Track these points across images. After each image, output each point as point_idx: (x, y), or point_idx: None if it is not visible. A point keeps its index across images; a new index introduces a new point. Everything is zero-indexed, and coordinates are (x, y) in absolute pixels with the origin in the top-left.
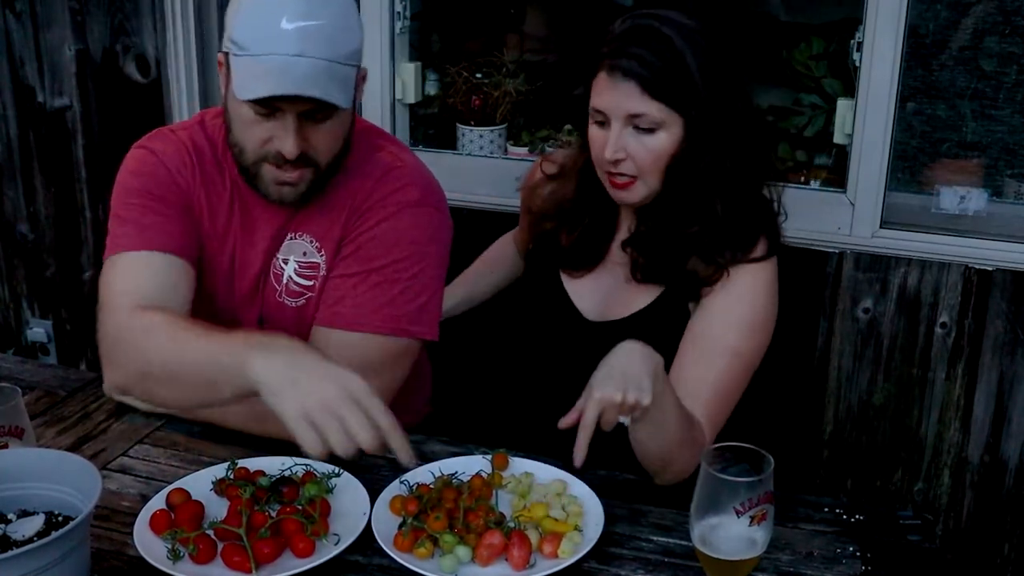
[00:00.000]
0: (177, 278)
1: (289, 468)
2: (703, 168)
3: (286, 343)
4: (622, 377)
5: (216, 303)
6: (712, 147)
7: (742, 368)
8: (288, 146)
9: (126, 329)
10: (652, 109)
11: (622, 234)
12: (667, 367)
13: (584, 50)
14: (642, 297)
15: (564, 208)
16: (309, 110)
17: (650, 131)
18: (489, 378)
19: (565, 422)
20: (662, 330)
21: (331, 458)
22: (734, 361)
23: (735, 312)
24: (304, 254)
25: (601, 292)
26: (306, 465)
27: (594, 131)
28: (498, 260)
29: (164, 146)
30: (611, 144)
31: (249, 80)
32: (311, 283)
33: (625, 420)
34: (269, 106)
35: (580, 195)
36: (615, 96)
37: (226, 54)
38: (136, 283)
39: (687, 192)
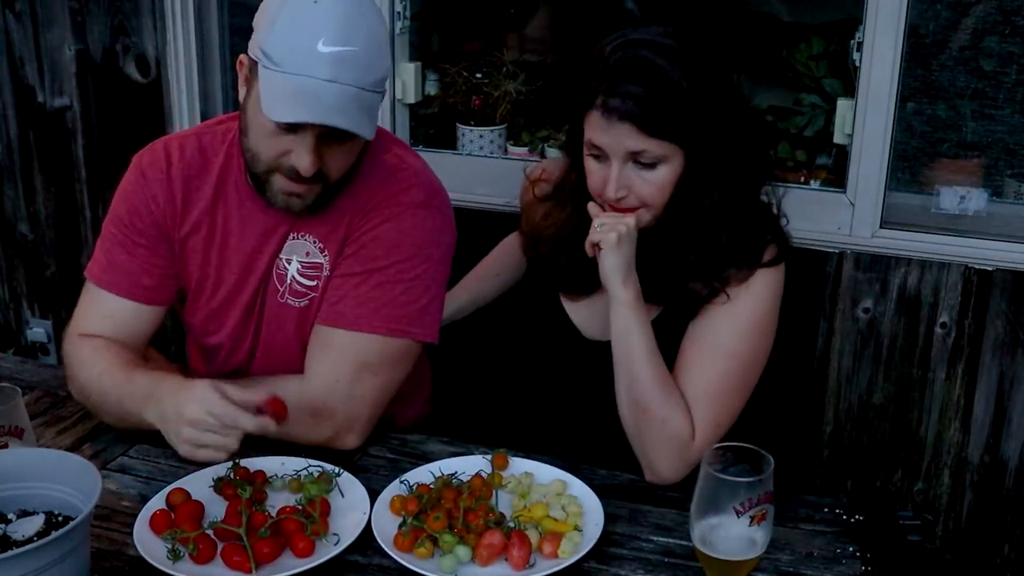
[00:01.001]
0: (132, 321)
1: (306, 469)
2: (706, 201)
3: (168, 385)
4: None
5: (211, 308)
6: (715, 170)
7: (739, 370)
8: (304, 164)
9: (69, 356)
10: (652, 146)
11: None
12: None
13: (575, 72)
14: None
15: (562, 233)
16: (330, 132)
17: (651, 165)
18: (488, 378)
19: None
20: (664, 348)
21: (330, 456)
22: (730, 363)
23: (734, 315)
24: (307, 254)
25: (600, 312)
26: (319, 467)
27: (591, 164)
28: (502, 262)
29: (151, 164)
30: (613, 182)
31: (278, 99)
32: (314, 283)
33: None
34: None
35: (577, 216)
36: (613, 136)
37: (254, 61)
38: (90, 318)
39: (690, 219)
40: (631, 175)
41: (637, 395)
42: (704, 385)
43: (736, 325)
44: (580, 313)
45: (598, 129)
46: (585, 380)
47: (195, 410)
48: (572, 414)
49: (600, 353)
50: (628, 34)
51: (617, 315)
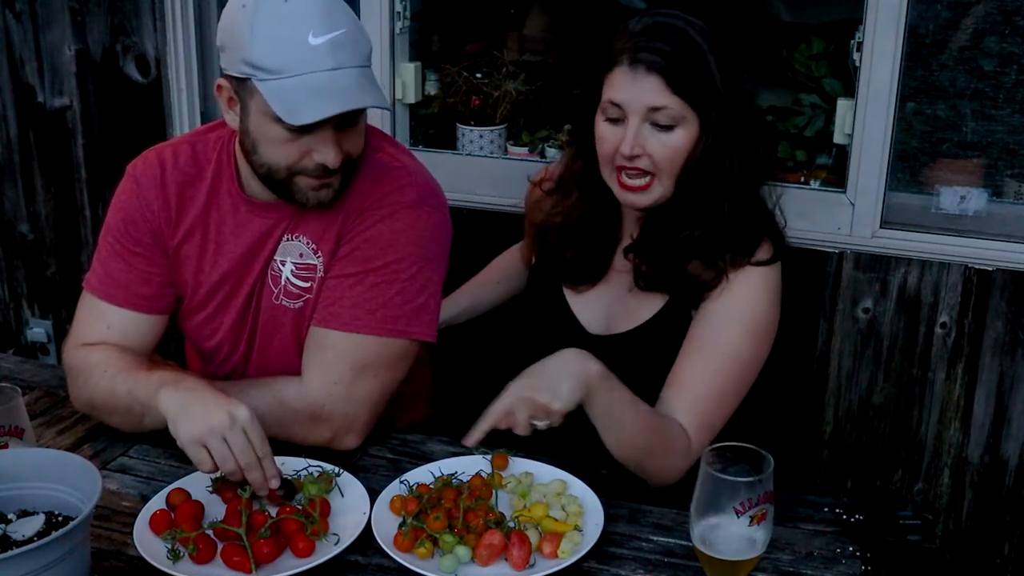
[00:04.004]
0: (134, 331)
1: (306, 469)
2: (716, 170)
3: (191, 382)
4: (540, 378)
5: (207, 312)
6: (725, 147)
7: (740, 371)
8: (331, 157)
9: (72, 367)
10: (673, 103)
11: (625, 243)
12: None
13: (593, 48)
14: (646, 309)
15: (568, 220)
16: (343, 119)
17: (668, 128)
18: (489, 378)
19: (470, 439)
20: (667, 342)
21: (330, 456)
22: (731, 363)
23: (735, 315)
24: (301, 255)
25: (604, 305)
26: (319, 467)
27: (606, 128)
28: (503, 272)
29: (144, 173)
30: (629, 139)
31: (294, 104)
32: (308, 284)
33: (540, 424)
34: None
35: (584, 204)
36: (636, 90)
37: (239, 79)
38: (92, 329)
39: (698, 193)
40: (647, 135)
41: (638, 448)
42: (701, 386)
43: (734, 323)
44: (583, 308)
45: (621, 86)
46: None
47: (244, 416)
48: (574, 411)
49: (603, 348)
50: (652, 9)
51: (595, 403)
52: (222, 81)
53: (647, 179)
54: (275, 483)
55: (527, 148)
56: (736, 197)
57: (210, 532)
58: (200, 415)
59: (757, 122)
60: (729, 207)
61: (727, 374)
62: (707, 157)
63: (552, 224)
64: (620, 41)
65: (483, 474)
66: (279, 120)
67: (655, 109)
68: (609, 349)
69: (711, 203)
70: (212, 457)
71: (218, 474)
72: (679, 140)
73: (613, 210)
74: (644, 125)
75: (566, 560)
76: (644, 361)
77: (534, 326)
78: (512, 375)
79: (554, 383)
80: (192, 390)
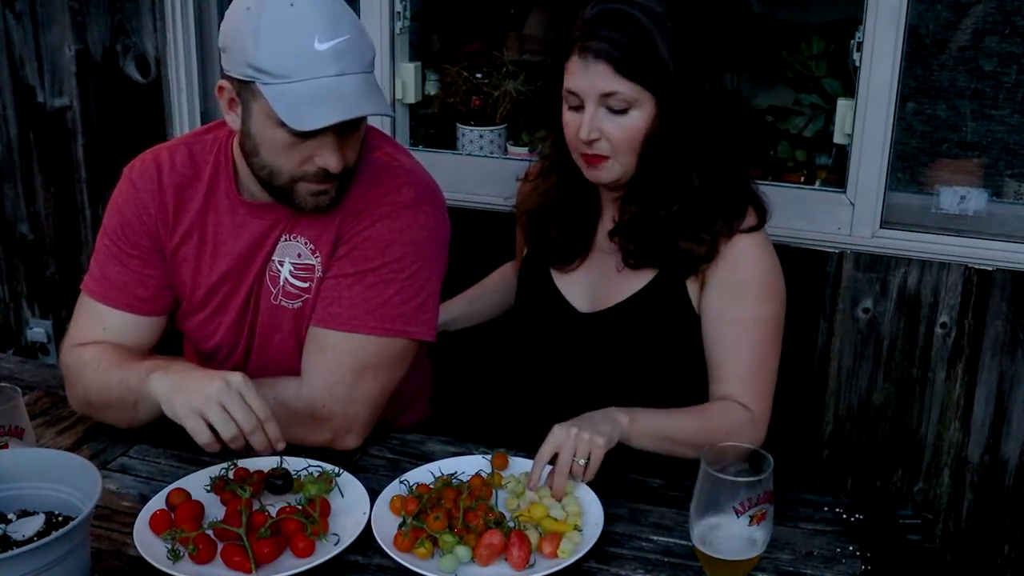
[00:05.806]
0: (132, 333)
1: (306, 469)
2: (676, 146)
3: (181, 365)
4: (581, 421)
5: (205, 313)
6: (684, 125)
7: (771, 334)
8: (333, 163)
9: (68, 366)
10: (624, 88)
11: (606, 223)
12: (664, 348)
13: (555, 36)
14: (633, 283)
15: (549, 201)
16: (345, 125)
17: (623, 111)
18: (488, 378)
19: (531, 484)
20: (657, 312)
21: (330, 456)
22: (761, 331)
23: (744, 283)
24: (299, 256)
25: (591, 283)
26: (319, 467)
27: (568, 115)
28: (502, 282)
29: (141, 176)
30: (585, 124)
31: (298, 109)
32: (307, 284)
33: (581, 462)
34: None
35: (562, 184)
36: (588, 77)
37: (241, 81)
38: (89, 330)
39: (662, 170)
40: (604, 120)
41: (702, 444)
42: (746, 360)
43: (746, 292)
44: (570, 287)
45: (575, 74)
46: (581, 353)
47: (239, 380)
48: (573, 391)
49: (592, 324)
50: None
51: (636, 440)
52: (223, 82)
53: (602, 157)
54: (281, 446)
55: (527, 148)
56: (704, 169)
57: (210, 532)
58: (194, 387)
59: (722, 100)
60: (700, 180)
61: (761, 342)
62: (666, 134)
63: (535, 209)
64: (572, 31)
65: (483, 474)
66: (282, 124)
67: (608, 95)
68: (598, 325)
69: (679, 177)
70: (212, 428)
71: (220, 472)
72: (635, 122)
73: (590, 188)
74: (600, 110)
75: (566, 560)
76: (633, 333)
77: (524, 309)
78: (509, 364)
79: (595, 424)
80: (183, 370)
